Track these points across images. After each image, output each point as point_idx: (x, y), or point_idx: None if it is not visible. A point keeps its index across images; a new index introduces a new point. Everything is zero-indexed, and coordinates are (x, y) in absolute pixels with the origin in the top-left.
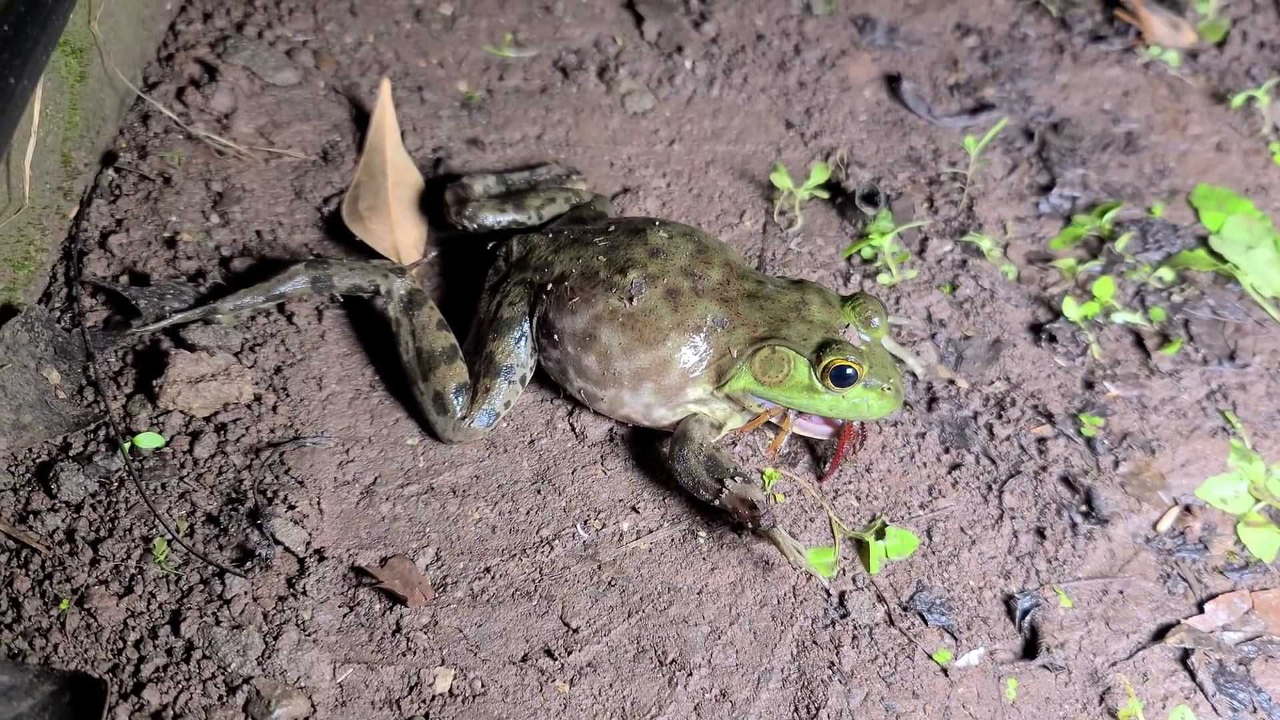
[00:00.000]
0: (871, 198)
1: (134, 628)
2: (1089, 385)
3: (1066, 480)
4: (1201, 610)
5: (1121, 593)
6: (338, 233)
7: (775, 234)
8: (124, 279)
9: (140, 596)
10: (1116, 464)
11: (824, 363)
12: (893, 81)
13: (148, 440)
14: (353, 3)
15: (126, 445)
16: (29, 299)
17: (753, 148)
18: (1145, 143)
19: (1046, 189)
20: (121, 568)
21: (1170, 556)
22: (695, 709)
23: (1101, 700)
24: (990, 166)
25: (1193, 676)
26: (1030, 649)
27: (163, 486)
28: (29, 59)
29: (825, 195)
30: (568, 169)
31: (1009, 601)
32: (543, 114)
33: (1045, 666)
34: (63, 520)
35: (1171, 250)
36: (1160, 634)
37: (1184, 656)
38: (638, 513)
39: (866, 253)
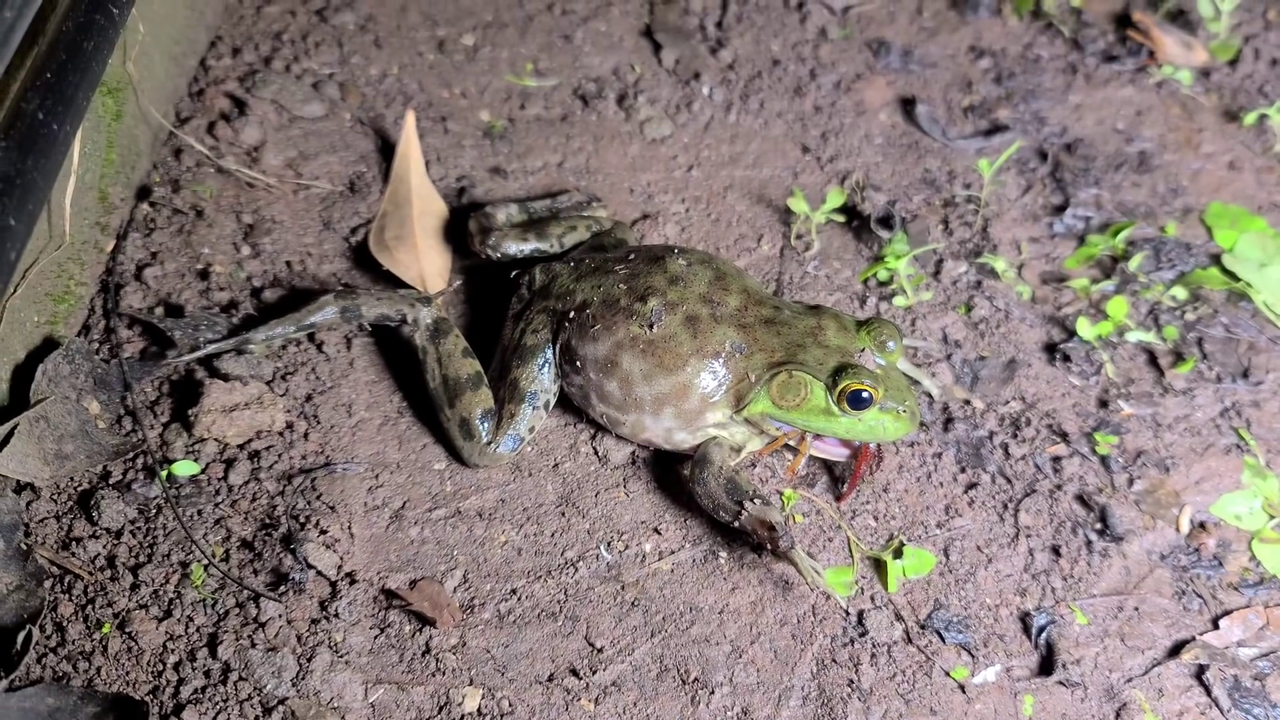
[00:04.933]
0: (887, 221)
1: (173, 651)
2: (1103, 404)
3: (1081, 498)
4: (1216, 626)
5: (1137, 609)
6: (365, 262)
7: (792, 258)
8: (159, 310)
9: (179, 620)
10: (1131, 482)
11: (840, 387)
12: (908, 104)
13: (184, 468)
14: (377, 35)
15: (164, 473)
16: (69, 331)
17: (770, 172)
18: (1158, 162)
19: (1060, 209)
20: (160, 592)
21: (1185, 573)
22: None
23: (1118, 716)
24: (1004, 188)
25: (1208, 692)
26: (1046, 665)
27: (199, 513)
28: (71, 105)
29: (841, 219)
30: (588, 196)
31: (1025, 619)
32: (563, 142)
33: (1061, 683)
34: (104, 546)
35: (1185, 269)
36: (1176, 650)
37: (1199, 672)
38: (660, 534)
39: (882, 275)
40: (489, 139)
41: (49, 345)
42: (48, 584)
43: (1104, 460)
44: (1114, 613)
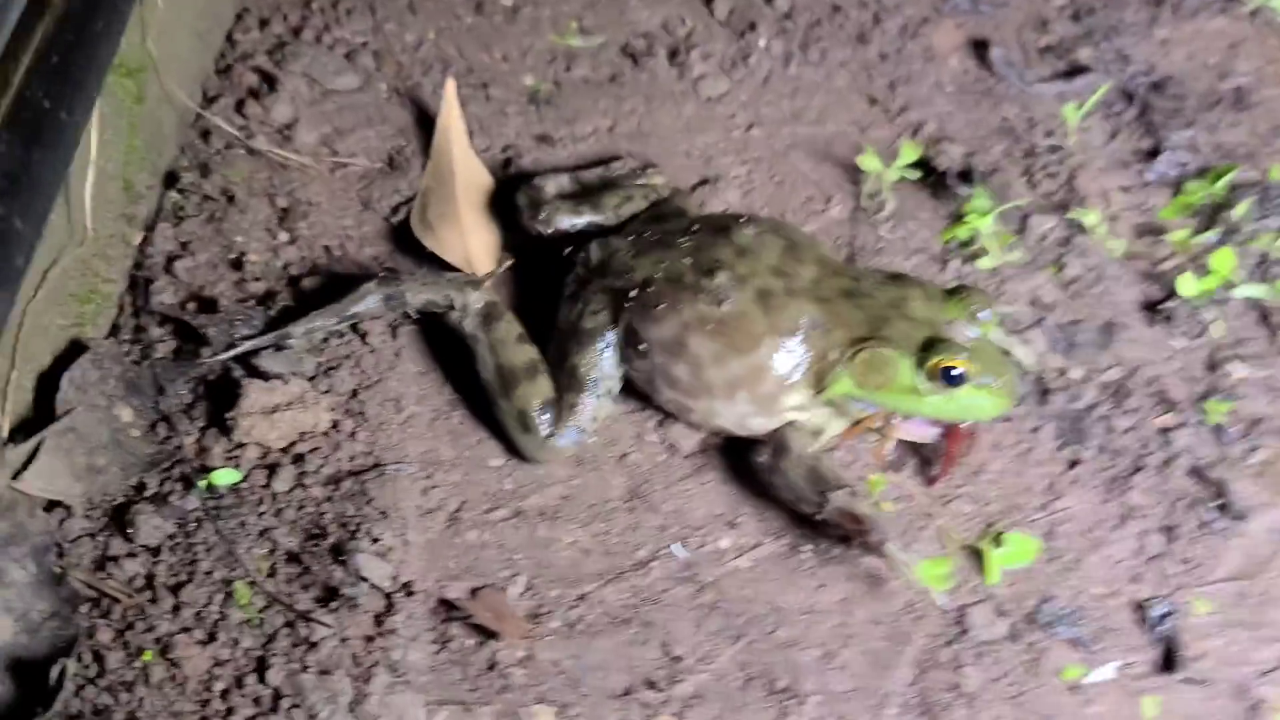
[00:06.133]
0: (966, 175)
1: (219, 677)
2: (1212, 367)
3: (1195, 473)
4: None
5: (1263, 595)
6: (408, 244)
7: (865, 220)
8: (191, 306)
9: (224, 644)
10: (1249, 452)
11: (930, 363)
12: (980, 48)
13: (224, 477)
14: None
15: (202, 483)
16: (97, 334)
17: (835, 128)
18: (1257, 98)
19: (1152, 155)
20: (204, 614)
21: None
22: None
23: (1251, 716)
24: (1090, 134)
25: None
26: (1168, 661)
27: (241, 525)
28: (81, 90)
29: (916, 175)
30: (642, 162)
31: (1141, 609)
32: (613, 104)
33: (1187, 680)
34: (141, 566)
35: None
36: None
37: None
38: (737, 528)
39: (964, 235)
40: (534, 105)
41: (75, 350)
42: (84, 609)
43: (1217, 430)
44: (1237, 600)
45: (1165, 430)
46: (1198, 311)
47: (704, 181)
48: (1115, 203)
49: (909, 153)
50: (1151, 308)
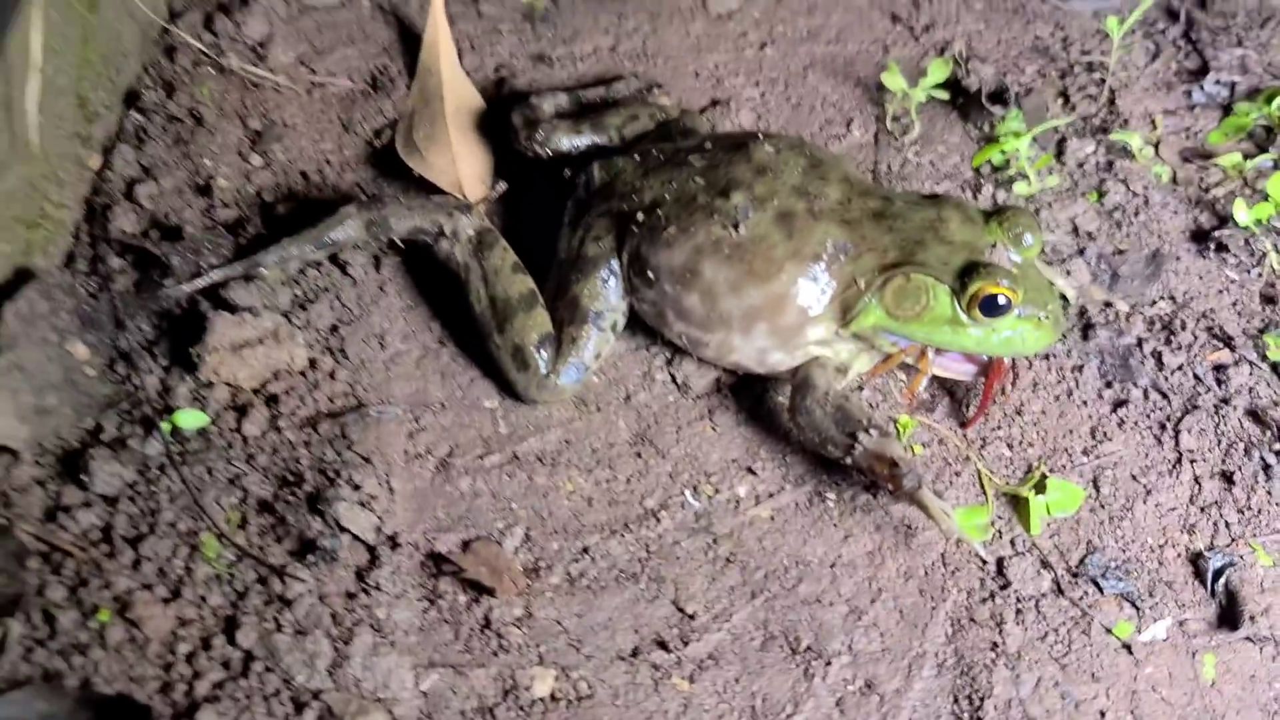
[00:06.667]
0: (1000, 95)
1: (184, 638)
2: (1269, 300)
3: (1253, 414)
4: None
5: None
6: (393, 168)
7: (889, 143)
8: (154, 234)
9: (190, 601)
10: None
11: (970, 290)
12: None
13: (189, 419)
14: None
15: (166, 426)
16: (48, 263)
17: (856, 47)
18: None
19: (1198, 75)
20: (167, 569)
21: None
22: (837, 704)
23: None
24: (1130, 53)
25: None
26: (1228, 618)
27: (209, 472)
28: None
29: (944, 96)
30: (647, 82)
31: (1197, 561)
32: (615, 22)
33: (1249, 639)
34: (97, 517)
35: None
36: None
37: None
38: (755, 474)
39: (997, 159)
40: (529, 22)
41: (22, 279)
42: (32, 564)
43: (1276, 368)
44: None
45: (1220, 368)
46: (1253, 240)
47: (714, 103)
48: (1160, 126)
49: (937, 71)
50: (1202, 237)
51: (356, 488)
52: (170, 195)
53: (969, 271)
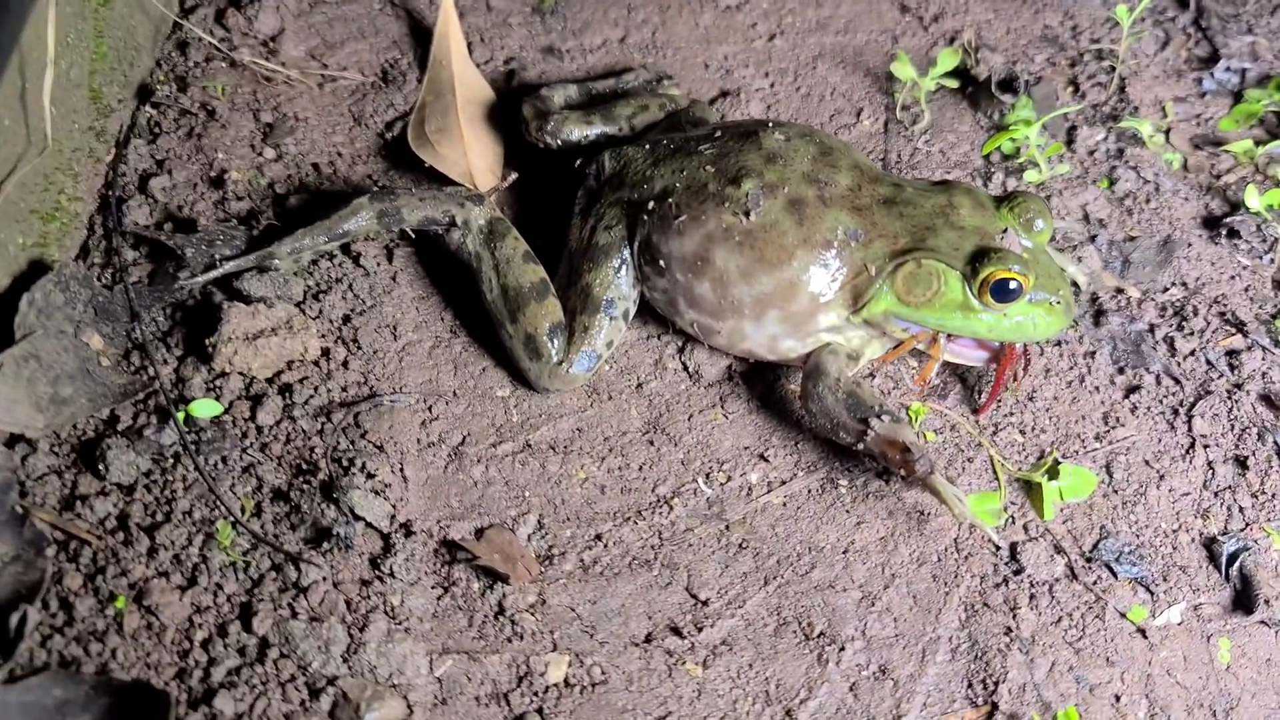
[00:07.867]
0: (1009, 84)
1: (200, 625)
2: None
3: (1267, 399)
4: None
5: None
6: (405, 160)
7: (899, 133)
8: (168, 226)
9: (205, 589)
10: None
11: (981, 275)
12: None
13: (203, 408)
14: None
15: (180, 415)
16: (64, 255)
17: (865, 37)
18: None
19: (1208, 62)
20: (182, 557)
21: None
22: (851, 689)
23: None
24: (1140, 41)
25: None
26: (1243, 602)
27: (223, 461)
28: None
29: (954, 85)
30: (657, 74)
31: (1211, 546)
32: (624, 14)
33: (1264, 622)
34: (114, 505)
35: None
36: None
37: None
38: (767, 461)
39: (1007, 147)
40: (539, 15)
41: (38, 270)
42: (50, 552)
43: None
44: None
45: (1233, 353)
46: (1264, 226)
47: (724, 94)
48: (1170, 113)
49: (947, 60)
50: (1213, 223)
51: (370, 476)
52: (183, 188)
53: (980, 256)
